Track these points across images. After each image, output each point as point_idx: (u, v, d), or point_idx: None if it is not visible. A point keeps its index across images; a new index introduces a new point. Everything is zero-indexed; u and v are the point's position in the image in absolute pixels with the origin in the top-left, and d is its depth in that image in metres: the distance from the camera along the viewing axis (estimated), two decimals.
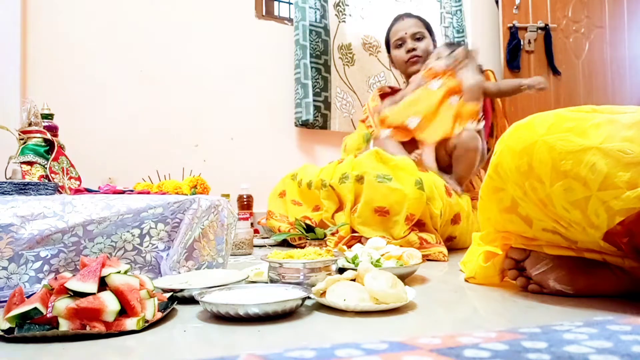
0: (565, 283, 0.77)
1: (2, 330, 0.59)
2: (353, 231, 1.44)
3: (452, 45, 1.83)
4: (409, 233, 1.35)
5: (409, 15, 1.92)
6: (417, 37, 1.86)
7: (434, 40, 1.92)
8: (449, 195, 1.44)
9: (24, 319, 0.61)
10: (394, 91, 2.06)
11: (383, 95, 2.03)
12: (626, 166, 0.62)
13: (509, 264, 0.84)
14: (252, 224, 2.00)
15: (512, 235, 0.85)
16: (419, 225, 1.40)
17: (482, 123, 1.68)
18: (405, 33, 1.86)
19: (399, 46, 1.89)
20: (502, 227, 0.85)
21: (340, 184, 1.50)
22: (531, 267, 0.81)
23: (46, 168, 1.15)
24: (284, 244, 1.76)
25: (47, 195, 1.00)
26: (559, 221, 0.73)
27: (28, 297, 0.66)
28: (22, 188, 0.98)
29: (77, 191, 1.13)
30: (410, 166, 1.44)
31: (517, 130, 0.75)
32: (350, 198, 1.46)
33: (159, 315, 0.67)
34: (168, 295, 0.76)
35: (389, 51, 1.99)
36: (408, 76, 1.93)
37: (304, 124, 2.35)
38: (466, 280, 0.96)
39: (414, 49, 1.84)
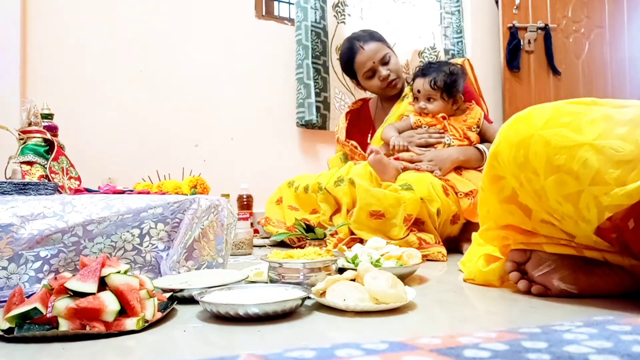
0: (569, 282, 0.77)
1: (2, 330, 0.59)
2: (352, 232, 1.44)
3: (426, 75, 1.68)
4: (408, 234, 1.35)
5: (364, 39, 1.81)
6: (385, 61, 1.79)
7: (390, 49, 1.85)
8: (447, 195, 1.44)
9: (23, 319, 0.61)
10: (364, 103, 2.04)
11: (352, 113, 2.02)
12: (616, 163, 0.63)
13: (511, 267, 0.84)
14: (252, 224, 2.00)
15: (512, 233, 0.85)
16: (418, 224, 1.40)
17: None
18: (373, 62, 1.78)
19: (371, 77, 1.81)
20: (502, 219, 0.85)
21: (335, 187, 1.52)
22: (533, 269, 0.80)
23: (46, 168, 1.15)
24: (284, 245, 1.76)
25: (47, 195, 0.99)
26: (553, 214, 0.73)
27: (28, 297, 0.66)
28: (22, 188, 0.98)
29: (77, 191, 1.13)
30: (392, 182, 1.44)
31: (516, 122, 0.76)
32: (347, 200, 1.47)
33: (159, 315, 0.67)
34: (168, 295, 0.76)
35: (354, 79, 1.91)
36: (388, 98, 1.89)
37: (307, 124, 2.35)
38: (465, 281, 0.96)
39: (388, 75, 1.78)
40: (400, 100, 1.84)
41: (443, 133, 1.63)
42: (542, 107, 0.74)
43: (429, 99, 1.66)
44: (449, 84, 1.63)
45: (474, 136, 1.65)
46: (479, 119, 1.67)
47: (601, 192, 0.64)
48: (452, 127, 1.65)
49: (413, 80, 1.72)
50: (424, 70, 1.69)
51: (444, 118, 1.66)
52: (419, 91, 1.67)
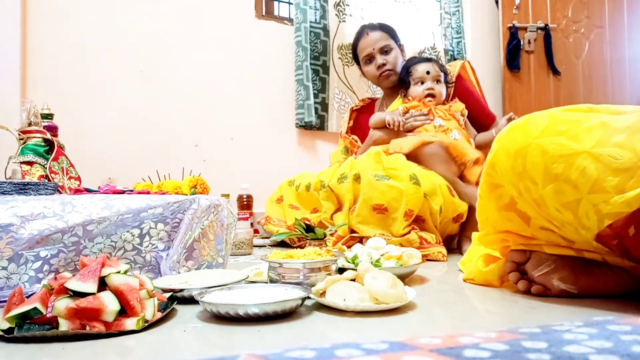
0: (569, 282, 0.77)
1: (2, 330, 0.59)
2: (352, 231, 1.45)
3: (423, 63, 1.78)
4: (409, 231, 1.35)
5: (372, 27, 1.90)
6: (385, 50, 1.86)
7: (399, 45, 1.91)
8: (452, 196, 1.44)
9: (23, 319, 0.61)
10: (371, 102, 2.07)
11: (358, 110, 2.05)
12: (615, 171, 0.62)
13: (510, 267, 0.84)
14: (251, 224, 2.00)
15: (511, 236, 0.85)
16: (419, 222, 1.40)
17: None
18: (373, 49, 1.86)
19: (369, 62, 1.89)
20: (501, 226, 0.85)
21: (338, 184, 1.51)
22: (533, 269, 0.80)
23: (46, 168, 1.15)
24: (284, 245, 1.76)
25: (47, 195, 0.99)
26: (552, 221, 0.73)
27: (28, 297, 0.66)
28: (22, 188, 0.98)
29: (77, 191, 1.13)
30: (404, 163, 1.46)
31: (513, 130, 0.76)
32: (349, 197, 1.47)
33: (159, 315, 0.67)
34: (168, 295, 0.76)
35: (358, 64, 1.99)
36: (384, 88, 1.95)
37: (306, 125, 2.35)
38: (465, 281, 0.96)
39: (384, 64, 1.84)
40: (399, 97, 1.87)
41: (428, 114, 1.66)
42: (538, 115, 0.74)
43: (437, 81, 1.74)
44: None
45: (458, 115, 1.70)
46: (463, 108, 1.74)
47: (600, 200, 0.64)
48: (438, 110, 1.70)
49: (409, 68, 1.78)
50: (423, 60, 1.80)
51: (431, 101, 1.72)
52: (428, 72, 1.74)
